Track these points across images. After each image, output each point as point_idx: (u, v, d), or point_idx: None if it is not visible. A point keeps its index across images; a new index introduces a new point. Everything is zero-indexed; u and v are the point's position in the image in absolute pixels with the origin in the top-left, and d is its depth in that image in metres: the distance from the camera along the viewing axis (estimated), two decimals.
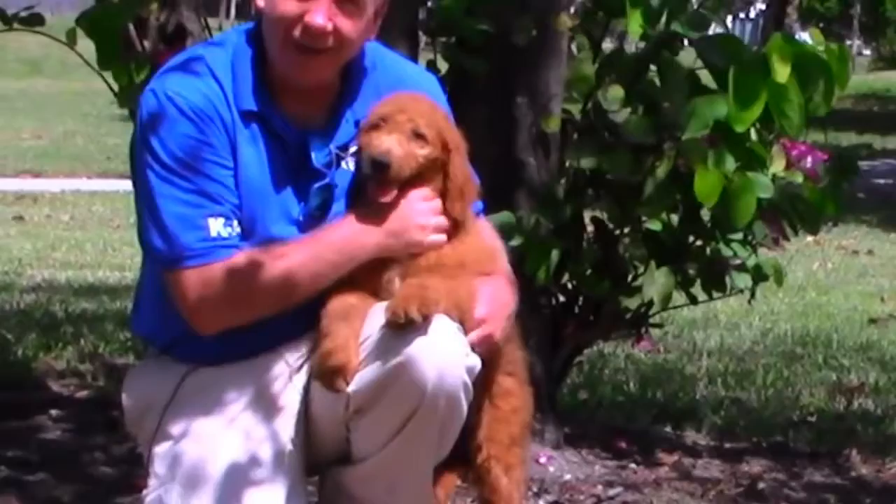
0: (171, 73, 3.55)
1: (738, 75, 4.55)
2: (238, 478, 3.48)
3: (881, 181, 25.32)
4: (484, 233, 3.68)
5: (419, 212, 3.48)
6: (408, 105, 3.51)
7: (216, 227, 3.43)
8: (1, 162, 24.69)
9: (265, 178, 3.53)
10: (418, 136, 3.46)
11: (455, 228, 3.54)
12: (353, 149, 3.55)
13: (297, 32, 3.43)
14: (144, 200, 3.49)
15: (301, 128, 3.58)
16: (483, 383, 3.52)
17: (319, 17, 3.40)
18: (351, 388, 3.35)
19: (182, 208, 3.42)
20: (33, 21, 4.84)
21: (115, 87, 4.80)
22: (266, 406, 3.54)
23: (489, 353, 3.49)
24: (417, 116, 3.48)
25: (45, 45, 4.67)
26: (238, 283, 3.44)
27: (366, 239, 3.46)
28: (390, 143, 3.41)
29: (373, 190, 3.44)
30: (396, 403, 3.35)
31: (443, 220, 3.50)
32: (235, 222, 3.46)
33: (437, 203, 3.51)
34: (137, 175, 3.54)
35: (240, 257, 3.45)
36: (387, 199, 3.42)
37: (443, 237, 3.50)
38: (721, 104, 4.60)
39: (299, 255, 3.45)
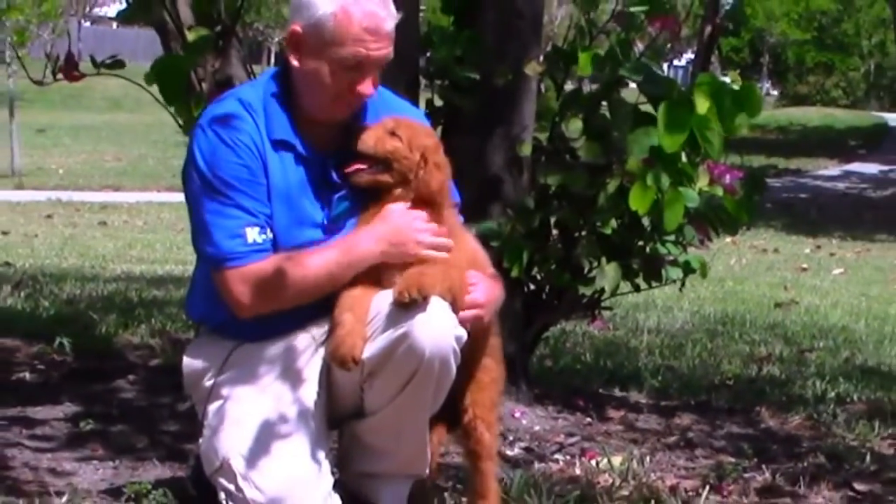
0: (214, 111, 3.71)
1: (668, 109, 4.71)
2: (270, 430, 3.60)
3: (784, 194, 25.76)
4: (469, 239, 3.85)
5: (417, 230, 3.61)
6: (393, 118, 3.71)
7: (252, 235, 3.58)
8: (89, 179, 25.36)
9: (293, 192, 3.67)
10: (393, 134, 3.64)
11: (438, 220, 3.68)
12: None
13: (354, 100, 3.67)
14: (195, 214, 3.67)
15: (321, 150, 3.72)
16: (469, 362, 3.70)
17: (370, 88, 3.66)
18: (365, 355, 3.51)
19: (225, 220, 3.59)
20: (115, 66, 4.89)
21: (179, 119, 4.86)
22: (296, 373, 3.68)
23: (477, 330, 3.66)
24: (401, 128, 3.67)
25: (124, 86, 4.49)
26: (269, 281, 3.57)
27: (372, 248, 3.59)
28: (371, 134, 3.64)
29: (349, 165, 3.63)
30: (401, 366, 3.52)
31: (438, 239, 3.64)
32: (268, 230, 3.61)
33: (434, 225, 3.65)
34: (189, 194, 3.70)
35: (271, 261, 3.58)
36: (350, 170, 3.63)
37: (442, 254, 3.63)
38: (656, 134, 4.75)
39: (318, 259, 3.58)
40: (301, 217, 3.69)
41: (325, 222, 3.71)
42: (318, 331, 3.71)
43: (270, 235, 3.63)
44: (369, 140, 3.64)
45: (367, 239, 3.62)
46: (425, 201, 3.68)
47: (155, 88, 4.90)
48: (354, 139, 3.66)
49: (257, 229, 3.61)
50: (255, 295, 3.60)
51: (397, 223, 3.62)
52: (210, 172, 3.63)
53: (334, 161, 3.72)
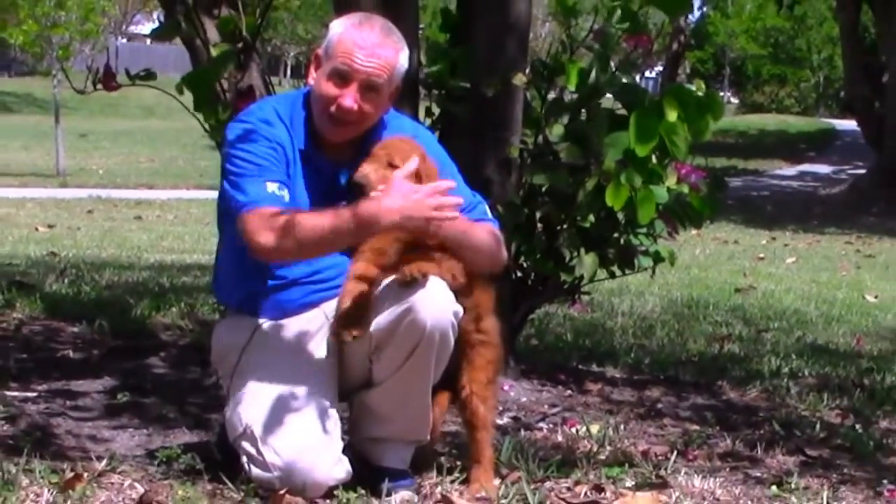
0: (254, 110, 3.80)
1: (638, 117, 4.72)
2: (286, 401, 3.61)
3: (743, 192, 25.94)
4: None
5: (423, 193, 3.46)
6: (389, 144, 3.66)
7: (272, 187, 3.59)
8: (125, 178, 25.39)
9: (307, 195, 3.72)
10: (392, 165, 3.57)
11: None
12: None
13: (333, 109, 3.66)
14: (227, 181, 3.67)
15: (334, 163, 3.77)
16: (466, 344, 3.73)
17: (348, 101, 3.64)
18: (372, 329, 3.53)
19: (251, 179, 3.59)
20: (148, 78, 4.93)
21: (206, 124, 4.90)
22: (310, 350, 3.71)
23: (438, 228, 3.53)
24: (394, 152, 3.61)
25: (156, 96, 4.47)
26: (284, 222, 3.50)
27: (382, 213, 3.43)
28: (368, 170, 3.58)
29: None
30: (405, 339, 3.54)
31: (445, 199, 3.47)
32: (286, 191, 3.62)
33: (439, 185, 3.52)
34: (223, 168, 3.71)
35: (287, 210, 3.55)
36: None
37: (453, 214, 3.49)
38: (627, 139, 4.74)
39: (330, 215, 3.49)
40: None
41: None
42: (331, 310, 3.70)
43: (287, 196, 3.63)
44: (371, 181, 3.57)
45: (377, 206, 3.48)
46: None
47: (184, 97, 4.92)
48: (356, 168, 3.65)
49: (277, 185, 3.63)
50: (272, 234, 3.51)
51: (405, 191, 3.47)
52: (243, 149, 3.66)
53: (345, 174, 3.75)
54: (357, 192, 3.58)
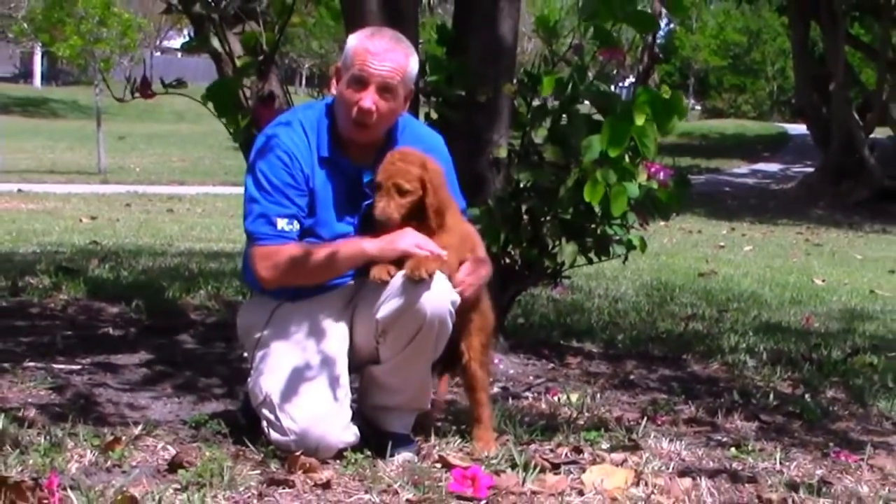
0: (279, 125, 3.73)
1: (612, 121, 4.67)
2: (301, 374, 3.60)
3: (706, 188, 25.90)
4: (466, 228, 3.84)
5: (415, 244, 3.57)
6: (392, 171, 3.60)
7: (282, 223, 3.59)
8: (159, 176, 25.48)
9: (332, 197, 3.70)
10: (401, 191, 3.58)
11: (441, 228, 3.65)
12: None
13: (354, 112, 3.64)
14: (246, 200, 3.67)
15: (357, 166, 3.73)
16: (465, 319, 3.74)
17: (367, 102, 3.61)
18: (378, 316, 3.54)
19: (264, 209, 3.61)
20: (180, 86, 4.89)
21: (230, 128, 4.88)
22: (323, 328, 3.68)
23: (465, 298, 3.64)
24: (399, 177, 3.58)
25: (187, 102, 4.48)
26: (283, 261, 3.58)
27: (368, 250, 3.58)
28: (384, 205, 3.58)
29: (382, 230, 3.59)
30: (408, 325, 3.54)
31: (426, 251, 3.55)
32: (296, 223, 3.61)
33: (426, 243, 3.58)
34: (246, 183, 3.69)
35: (290, 246, 3.58)
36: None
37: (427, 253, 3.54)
38: (602, 141, 4.67)
39: (325, 252, 3.57)
40: (338, 216, 3.72)
41: (356, 221, 3.74)
42: (344, 293, 3.73)
43: (297, 227, 3.63)
44: (390, 216, 3.60)
45: (369, 244, 3.61)
46: (433, 210, 3.66)
47: (211, 104, 4.92)
48: (371, 186, 3.67)
49: (286, 220, 3.62)
50: (271, 269, 3.60)
51: (393, 239, 3.59)
52: (262, 175, 3.65)
53: (368, 174, 3.73)
54: (380, 226, 3.61)
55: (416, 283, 3.50)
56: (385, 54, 3.65)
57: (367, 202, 3.72)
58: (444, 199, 3.70)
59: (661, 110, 4.74)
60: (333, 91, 3.74)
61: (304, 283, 3.67)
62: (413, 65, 3.73)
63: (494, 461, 3.61)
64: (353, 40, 3.71)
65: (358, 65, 3.64)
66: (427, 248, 3.57)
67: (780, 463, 3.89)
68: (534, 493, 3.31)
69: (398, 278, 3.54)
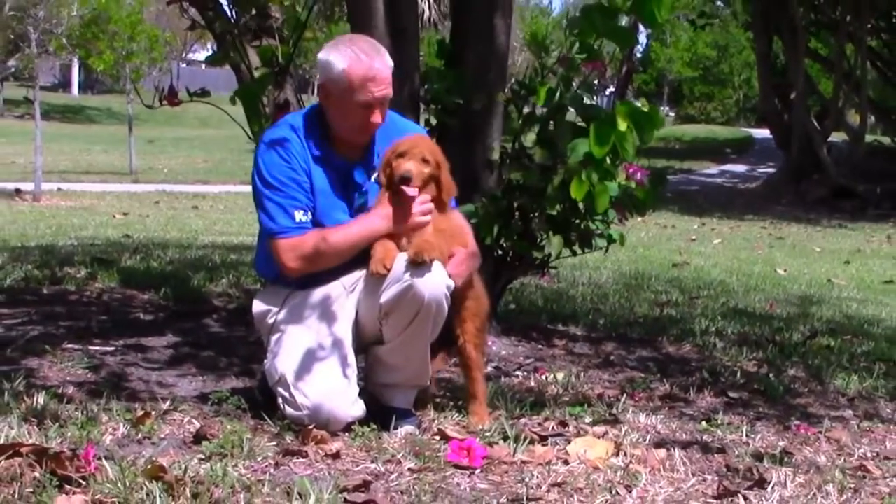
0: (273, 134, 3.75)
1: (597, 126, 4.63)
2: (312, 355, 3.60)
3: (679, 187, 25.82)
4: (460, 219, 3.86)
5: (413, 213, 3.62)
6: (418, 142, 3.70)
7: (299, 215, 3.62)
8: (185, 176, 25.39)
9: (328, 190, 3.71)
10: (424, 160, 3.64)
11: (442, 210, 3.69)
12: (377, 172, 3.71)
13: (368, 127, 3.71)
14: (259, 203, 3.69)
15: (348, 161, 3.76)
16: (461, 305, 3.76)
17: (377, 118, 3.70)
18: (382, 300, 3.54)
19: (280, 206, 3.63)
20: (204, 95, 4.89)
21: (250, 132, 4.87)
22: (332, 313, 3.68)
23: (457, 286, 3.63)
24: (425, 149, 3.67)
25: (210, 109, 4.44)
26: (307, 249, 3.61)
27: (381, 224, 3.62)
28: (410, 166, 3.61)
29: (401, 190, 3.60)
30: (408, 308, 3.55)
31: (421, 218, 3.62)
32: (309, 213, 3.64)
33: (425, 207, 3.65)
34: (255, 190, 3.71)
35: (309, 235, 3.62)
36: (411, 192, 3.61)
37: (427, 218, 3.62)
38: (588, 144, 4.66)
39: (342, 235, 3.61)
40: (334, 206, 3.72)
41: (351, 210, 3.75)
42: (349, 281, 3.73)
43: (310, 217, 3.66)
44: (414, 174, 3.62)
45: (376, 221, 3.63)
46: (446, 188, 3.71)
47: (232, 109, 4.90)
48: (384, 161, 3.67)
49: (302, 212, 3.64)
50: (298, 259, 3.63)
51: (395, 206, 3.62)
52: (269, 176, 3.67)
53: (358, 169, 3.76)
54: (402, 181, 3.60)
55: (418, 266, 3.50)
56: (379, 74, 3.66)
57: (358, 192, 3.75)
58: (451, 185, 3.74)
59: (641, 121, 4.70)
60: (326, 104, 3.75)
61: (326, 267, 3.66)
62: (391, 63, 3.74)
63: (488, 434, 3.61)
64: (340, 62, 3.67)
65: (361, 93, 3.64)
66: (426, 209, 3.61)
67: (747, 435, 3.89)
68: (523, 462, 3.32)
69: (399, 267, 3.54)
